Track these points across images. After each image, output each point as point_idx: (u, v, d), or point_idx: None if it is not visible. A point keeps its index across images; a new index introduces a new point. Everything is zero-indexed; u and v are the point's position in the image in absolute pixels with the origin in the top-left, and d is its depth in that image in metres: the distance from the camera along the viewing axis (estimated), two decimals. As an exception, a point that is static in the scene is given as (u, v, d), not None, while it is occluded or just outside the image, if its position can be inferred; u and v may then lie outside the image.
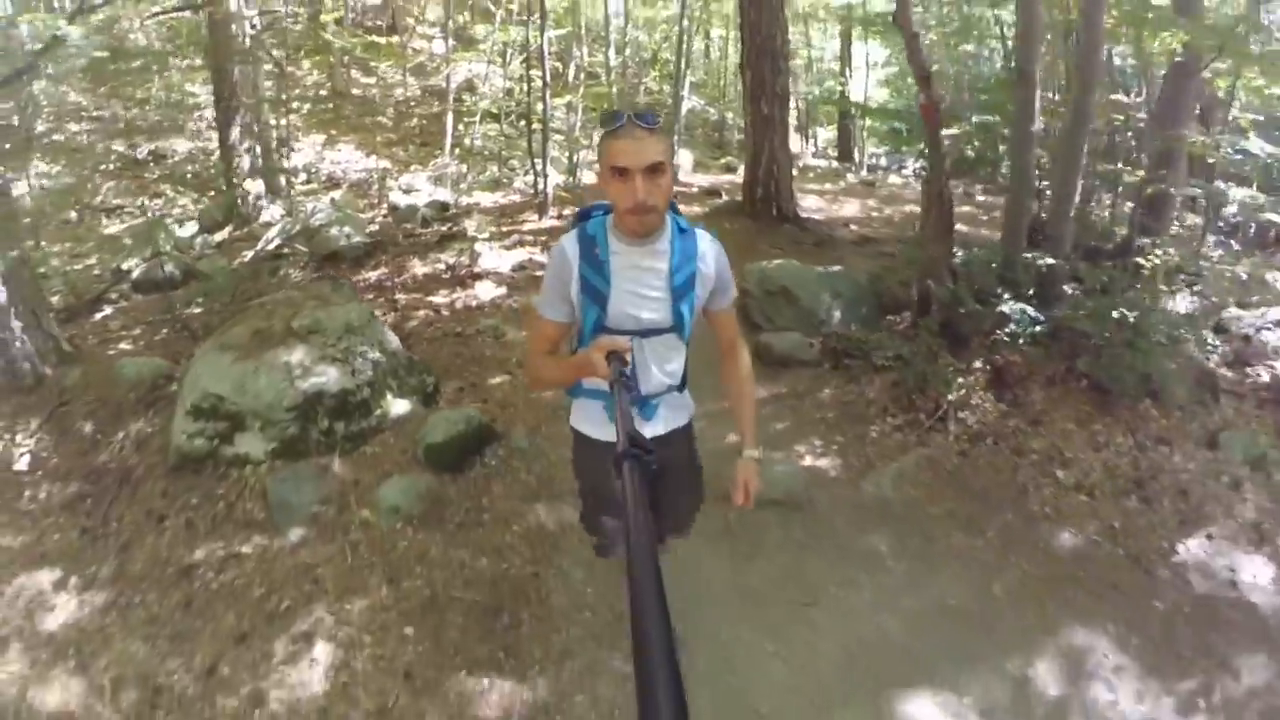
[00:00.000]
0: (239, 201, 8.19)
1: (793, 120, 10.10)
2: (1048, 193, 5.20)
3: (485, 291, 5.33)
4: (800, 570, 2.59)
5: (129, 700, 2.04)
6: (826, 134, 17.31)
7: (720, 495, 1.87)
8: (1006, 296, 3.88)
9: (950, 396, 3.52)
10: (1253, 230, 7.00)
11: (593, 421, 1.62)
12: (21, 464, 3.02)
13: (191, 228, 7.99)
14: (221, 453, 2.80)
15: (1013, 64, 5.30)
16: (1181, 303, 4.75)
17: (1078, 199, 4.63)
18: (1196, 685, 2.23)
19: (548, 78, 7.62)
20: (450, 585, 2.44)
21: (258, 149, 8.66)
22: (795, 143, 12.06)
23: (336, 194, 9.84)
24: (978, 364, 3.83)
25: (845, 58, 14.91)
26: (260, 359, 2.96)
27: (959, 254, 4.45)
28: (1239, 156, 5.14)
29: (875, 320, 4.77)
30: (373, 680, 2.09)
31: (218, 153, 8.86)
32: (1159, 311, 3.94)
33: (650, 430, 1.58)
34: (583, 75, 13.08)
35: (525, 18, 10.82)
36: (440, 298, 5.18)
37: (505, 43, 11.74)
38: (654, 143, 1.34)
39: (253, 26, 8.71)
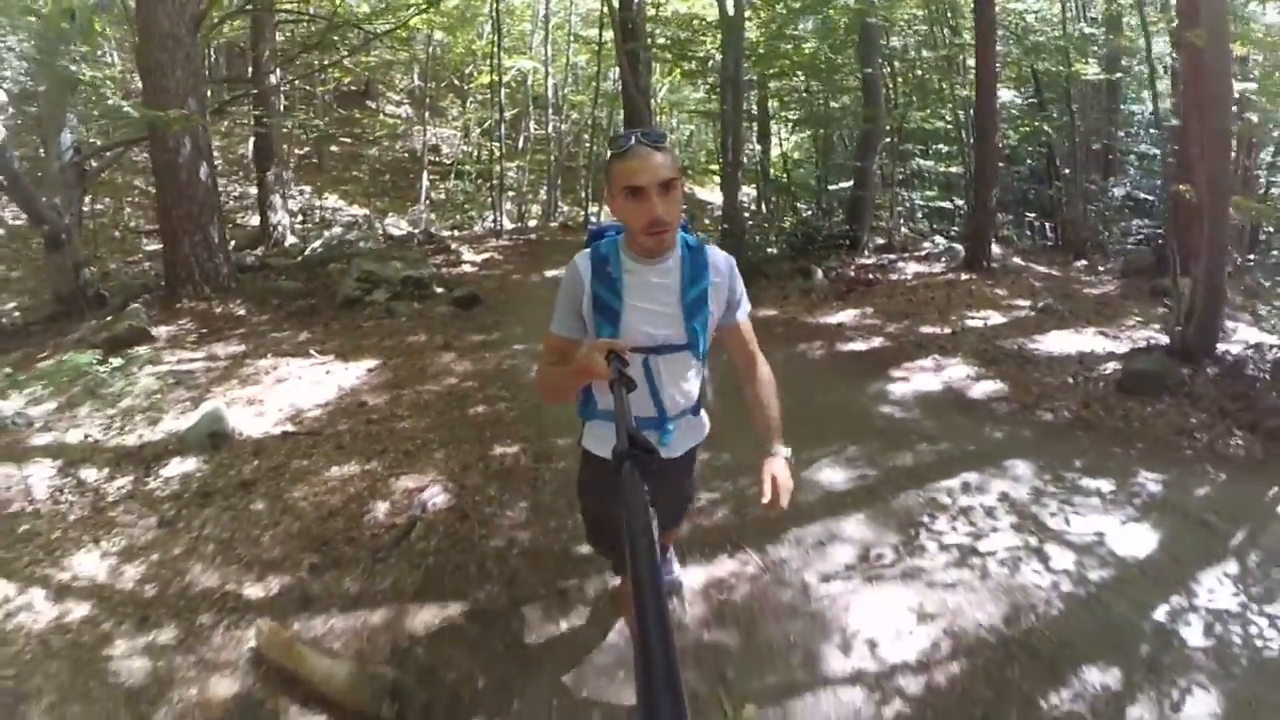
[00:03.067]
0: (272, 228, 11.85)
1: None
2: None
3: (466, 268, 9.18)
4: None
5: (362, 375, 5.55)
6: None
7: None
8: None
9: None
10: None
11: (604, 443, 1.65)
12: (265, 313, 6.55)
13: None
14: (366, 298, 6.45)
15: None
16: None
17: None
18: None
19: (503, 149, 11.78)
20: (463, 331, 6.05)
21: (284, 192, 12.41)
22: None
23: (336, 229, 13.53)
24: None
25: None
26: (386, 262, 6.68)
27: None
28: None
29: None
30: (433, 349, 5.62)
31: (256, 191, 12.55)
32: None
33: (665, 454, 1.61)
34: (530, 143, 17.38)
35: (488, 97, 15.15)
36: (444, 270, 8.97)
37: (469, 119, 16.02)
38: (663, 159, 1.42)
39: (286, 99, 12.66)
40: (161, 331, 6.30)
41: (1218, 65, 4.17)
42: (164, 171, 7.17)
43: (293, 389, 4.74)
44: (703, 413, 1.78)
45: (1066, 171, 9.73)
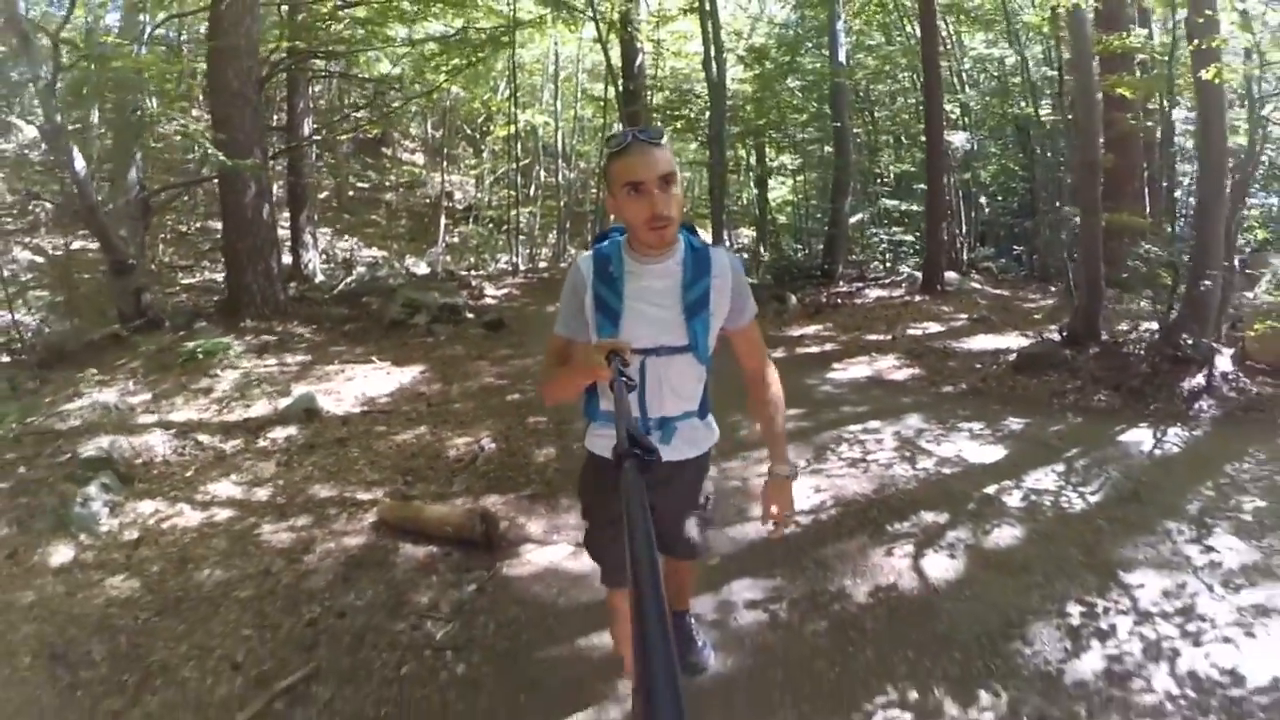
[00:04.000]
0: (303, 266, 13.26)
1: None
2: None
3: (489, 300, 10.51)
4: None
5: (415, 378, 6.79)
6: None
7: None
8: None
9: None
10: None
11: (606, 444, 1.65)
12: (321, 333, 7.83)
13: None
14: (409, 320, 7.73)
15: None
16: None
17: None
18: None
19: (518, 195, 13.26)
20: (493, 347, 7.30)
21: (314, 232, 13.88)
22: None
23: (360, 268, 14.93)
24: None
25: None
26: (426, 291, 8.01)
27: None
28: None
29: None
30: (470, 359, 6.90)
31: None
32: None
33: (665, 456, 1.57)
34: (540, 190, 18.97)
35: (502, 147, 16.80)
36: (470, 302, 10.32)
37: (485, 168, 17.67)
38: (662, 154, 1.45)
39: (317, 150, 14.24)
40: (234, 343, 7.58)
41: (1086, 119, 5.53)
42: (232, 210, 8.54)
43: (361, 384, 5.99)
44: (710, 418, 1.78)
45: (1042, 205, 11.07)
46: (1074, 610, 2.54)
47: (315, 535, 3.50)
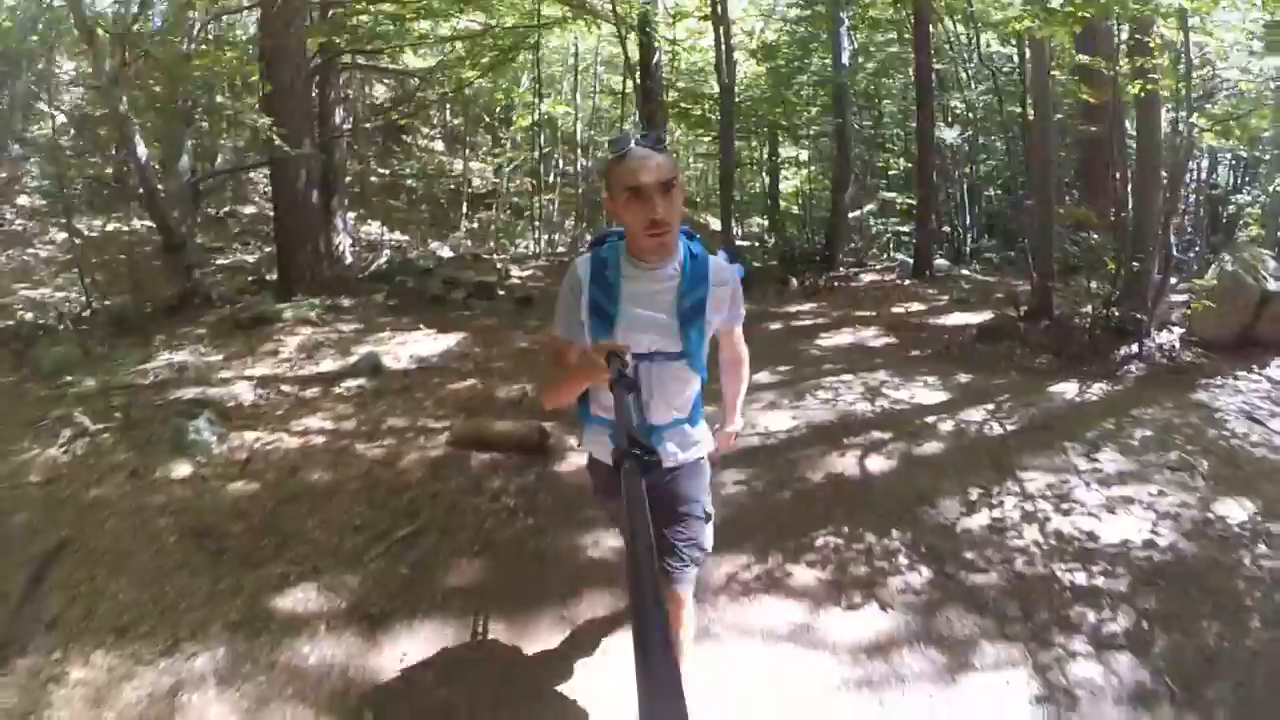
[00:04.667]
0: (335, 248, 14.33)
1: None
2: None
3: (515, 280, 11.56)
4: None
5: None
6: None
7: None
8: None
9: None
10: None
11: (604, 446, 1.74)
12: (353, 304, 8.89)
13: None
14: (448, 296, 8.77)
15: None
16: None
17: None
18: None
19: (540, 183, 14.27)
20: (524, 319, 8.30)
21: (344, 217, 14.97)
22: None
23: (386, 252, 15.99)
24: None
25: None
26: (462, 270, 9.09)
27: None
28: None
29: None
30: (505, 329, 7.93)
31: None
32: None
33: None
34: (559, 178, 20.00)
35: (524, 136, 17.84)
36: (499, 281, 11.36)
37: (508, 156, 18.75)
38: (663, 160, 1.50)
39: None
40: (287, 315, 8.63)
41: (1042, 123, 6.50)
42: (285, 194, 9.58)
43: (412, 347, 7.02)
44: (702, 425, 1.84)
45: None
46: (974, 492, 3.55)
47: (401, 450, 4.54)
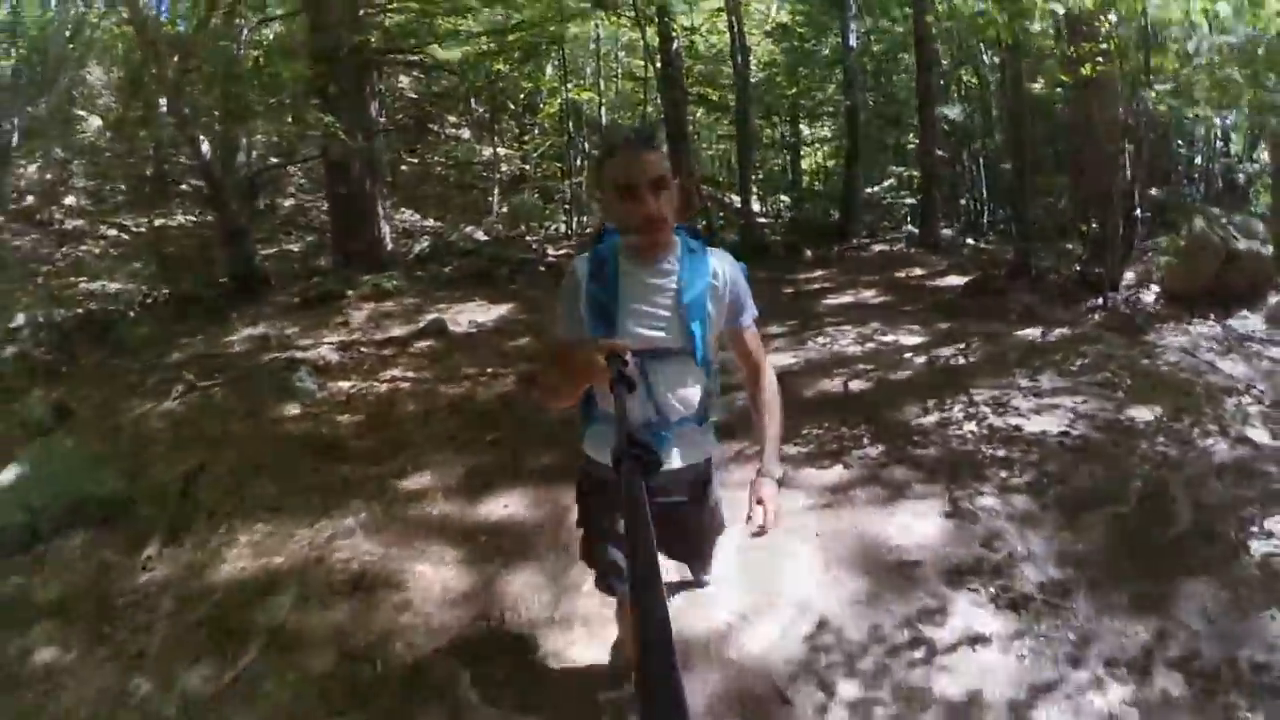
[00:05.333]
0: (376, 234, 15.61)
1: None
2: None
3: (550, 259, 12.71)
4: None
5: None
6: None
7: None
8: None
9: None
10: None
11: (605, 447, 1.71)
12: (421, 283, 10.11)
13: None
14: (494, 272, 9.94)
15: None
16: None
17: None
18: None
19: (569, 168, 15.37)
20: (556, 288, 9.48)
21: (383, 204, 16.24)
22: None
23: (425, 237, 17.19)
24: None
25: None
26: (505, 249, 10.28)
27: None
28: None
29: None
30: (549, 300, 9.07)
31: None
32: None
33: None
34: (585, 161, 21.10)
35: (552, 123, 18.99)
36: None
37: (536, 143, 19.93)
38: (655, 158, 1.52)
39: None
40: (350, 292, 9.86)
41: (1016, 103, 7.46)
42: (341, 184, 10.84)
43: (469, 315, 8.21)
44: (708, 426, 1.82)
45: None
46: (930, 402, 4.61)
47: (476, 390, 5.71)
